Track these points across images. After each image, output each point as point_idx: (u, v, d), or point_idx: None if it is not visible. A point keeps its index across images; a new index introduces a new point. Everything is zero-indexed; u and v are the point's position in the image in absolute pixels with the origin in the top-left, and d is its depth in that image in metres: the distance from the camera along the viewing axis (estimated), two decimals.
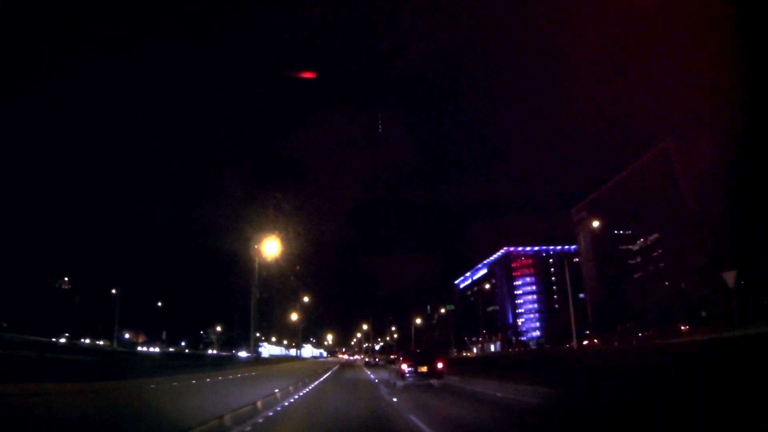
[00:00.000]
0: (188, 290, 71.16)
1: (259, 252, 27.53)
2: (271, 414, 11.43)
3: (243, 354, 46.13)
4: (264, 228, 29.96)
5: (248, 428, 9.27)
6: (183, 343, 78.22)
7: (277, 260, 35.02)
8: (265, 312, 56.60)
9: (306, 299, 56.44)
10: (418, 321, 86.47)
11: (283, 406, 13.12)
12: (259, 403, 11.94)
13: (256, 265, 27.49)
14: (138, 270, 65.56)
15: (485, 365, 33.53)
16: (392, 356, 59.44)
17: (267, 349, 70.01)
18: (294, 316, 56.51)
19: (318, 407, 13.99)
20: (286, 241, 32.66)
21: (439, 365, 20.78)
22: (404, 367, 20.87)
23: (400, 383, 20.67)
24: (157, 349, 45.39)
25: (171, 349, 56.53)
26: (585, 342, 58.95)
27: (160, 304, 65.67)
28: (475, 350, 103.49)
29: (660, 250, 75.69)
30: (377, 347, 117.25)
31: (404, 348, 64.18)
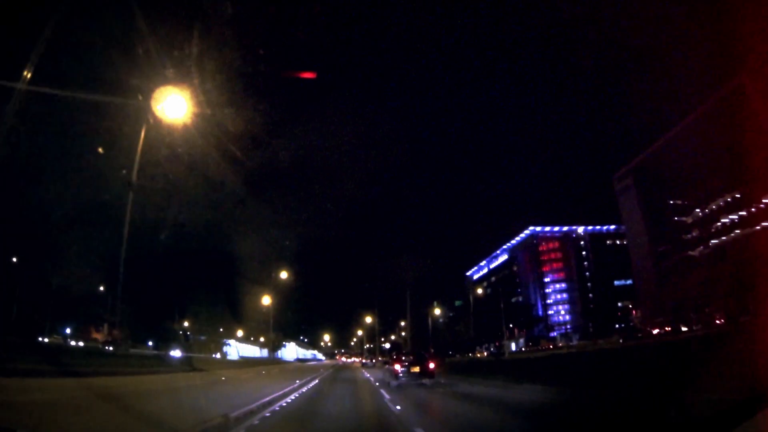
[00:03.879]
0: (150, 275, 57.12)
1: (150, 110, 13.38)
2: None
3: (177, 353, 32.49)
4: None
5: None
6: (150, 342, 66.98)
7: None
8: (217, 292, 43.01)
9: (284, 275, 40.81)
10: (438, 311, 71.68)
11: None
12: None
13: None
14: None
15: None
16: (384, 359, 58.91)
17: (235, 348, 53.98)
18: (266, 300, 41.51)
19: None
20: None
21: (431, 365, 22.14)
22: (397, 367, 22.23)
23: (394, 383, 21.15)
24: None
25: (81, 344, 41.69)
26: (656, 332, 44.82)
27: (101, 288, 51.81)
28: (491, 350, 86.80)
29: (725, 220, 61.56)
30: (386, 346, 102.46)
31: (408, 348, 62.60)
